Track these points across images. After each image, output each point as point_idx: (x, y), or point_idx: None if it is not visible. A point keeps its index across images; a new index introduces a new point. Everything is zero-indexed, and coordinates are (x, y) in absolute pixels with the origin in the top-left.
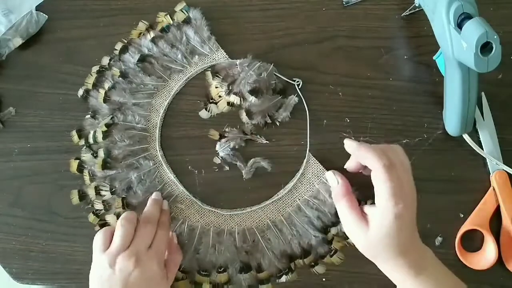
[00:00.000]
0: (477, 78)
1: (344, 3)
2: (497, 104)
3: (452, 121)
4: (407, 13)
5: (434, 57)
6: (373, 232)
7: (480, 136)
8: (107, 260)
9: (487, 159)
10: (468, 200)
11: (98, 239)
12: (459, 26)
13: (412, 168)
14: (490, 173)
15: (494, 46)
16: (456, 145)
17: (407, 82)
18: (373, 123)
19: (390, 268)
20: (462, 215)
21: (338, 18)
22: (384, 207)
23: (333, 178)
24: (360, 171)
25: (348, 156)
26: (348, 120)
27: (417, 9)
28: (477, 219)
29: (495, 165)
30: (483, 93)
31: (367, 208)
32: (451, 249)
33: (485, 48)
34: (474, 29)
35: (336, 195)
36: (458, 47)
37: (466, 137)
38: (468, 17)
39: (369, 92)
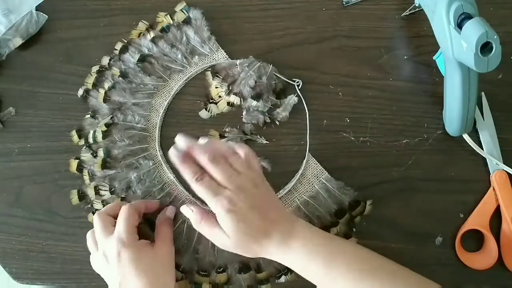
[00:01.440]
0: (477, 78)
1: (344, 3)
2: (497, 104)
3: (452, 121)
4: (407, 13)
5: (434, 57)
6: (224, 231)
7: (480, 136)
8: (101, 255)
9: (487, 159)
10: (468, 200)
11: (89, 239)
12: (459, 26)
13: (412, 168)
14: (490, 173)
15: (494, 46)
16: (456, 145)
17: (407, 82)
18: (373, 123)
19: (263, 250)
20: (462, 215)
21: (338, 18)
22: (215, 210)
23: (187, 210)
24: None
25: (347, 155)
26: (348, 120)
27: (417, 9)
28: (477, 219)
29: (495, 165)
30: (483, 93)
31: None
32: (451, 249)
33: (485, 48)
34: (474, 29)
35: (195, 222)
36: (458, 47)
37: (466, 137)
38: (468, 17)
39: (369, 92)
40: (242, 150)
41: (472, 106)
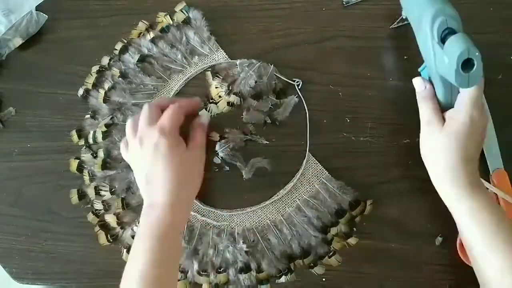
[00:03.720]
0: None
1: (344, 3)
2: (497, 104)
3: None
4: (395, 25)
5: (419, 69)
6: (447, 129)
7: None
8: (137, 140)
9: (486, 158)
10: None
11: (129, 126)
12: (443, 41)
13: (412, 168)
14: (489, 173)
15: (475, 63)
16: None
17: (407, 82)
18: (373, 123)
19: (449, 179)
20: None
21: (338, 18)
22: (461, 110)
23: (420, 83)
24: None
25: (347, 155)
26: (348, 120)
27: (405, 22)
28: None
29: (494, 164)
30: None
31: (447, 114)
32: (451, 249)
33: (467, 64)
34: (456, 45)
35: (423, 97)
36: (440, 62)
37: None
38: (452, 32)
39: (369, 92)
40: None
41: None
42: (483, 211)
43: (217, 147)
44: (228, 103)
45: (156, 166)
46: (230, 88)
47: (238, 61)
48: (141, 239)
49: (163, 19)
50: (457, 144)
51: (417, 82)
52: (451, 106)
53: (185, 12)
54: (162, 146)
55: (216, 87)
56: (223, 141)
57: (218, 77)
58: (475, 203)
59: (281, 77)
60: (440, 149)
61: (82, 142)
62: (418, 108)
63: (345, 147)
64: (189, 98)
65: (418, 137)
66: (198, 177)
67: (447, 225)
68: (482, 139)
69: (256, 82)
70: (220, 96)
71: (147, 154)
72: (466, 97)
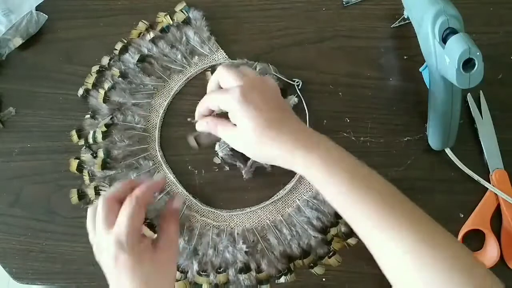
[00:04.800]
0: (460, 94)
1: (344, 3)
2: (497, 104)
3: (434, 135)
4: (397, 25)
5: (420, 69)
6: (239, 127)
7: (480, 136)
8: (95, 245)
9: (486, 158)
10: (468, 200)
11: (88, 217)
12: (444, 41)
13: (412, 168)
14: (490, 173)
15: (476, 63)
16: (455, 144)
17: (407, 82)
18: (373, 123)
19: (280, 159)
20: (462, 215)
21: (338, 18)
22: (228, 108)
23: (201, 124)
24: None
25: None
26: (348, 120)
27: (406, 21)
28: (478, 219)
29: (494, 164)
30: (481, 92)
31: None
32: None
33: (468, 64)
34: (457, 45)
35: (213, 130)
36: (441, 62)
37: (448, 151)
38: (453, 32)
39: (369, 92)
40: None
41: (455, 121)
42: (327, 168)
43: (216, 147)
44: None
45: (121, 282)
46: None
47: (237, 61)
48: None
49: (163, 19)
50: (257, 120)
51: (199, 126)
52: (451, 106)
53: (185, 12)
54: (122, 263)
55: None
56: (222, 141)
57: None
58: (313, 158)
59: (281, 77)
60: (260, 149)
61: (82, 142)
62: (418, 108)
63: (345, 147)
64: (150, 181)
65: (418, 136)
66: (168, 280)
67: (447, 225)
68: (266, 89)
69: None
70: None
71: (109, 265)
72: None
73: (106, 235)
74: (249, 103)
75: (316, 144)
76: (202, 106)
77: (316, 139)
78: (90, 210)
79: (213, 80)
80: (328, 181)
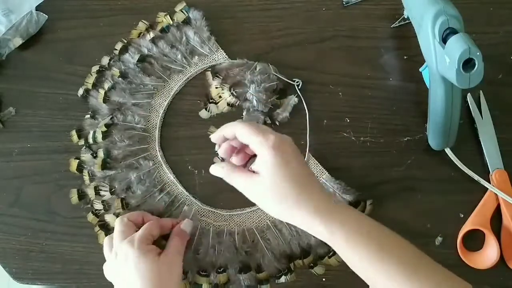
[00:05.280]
0: (460, 94)
1: (344, 3)
2: (497, 104)
3: (434, 135)
4: (397, 25)
5: (420, 69)
6: (264, 175)
7: (480, 136)
8: (113, 255)
9: (486, 158)
10: (468, 200)
11: (105, 243)
12: (444, 41)
13: (412, 168)
14: (490, 173)
15: (476, 63)
16: (455, 145)
17: (407, 82)
18: (373, 123)
19: (300, 217)
20: (462, 215)
21: (338, 18)
22: (259, 150)
23: (216, 169)
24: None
25: (347, 155)
26: (348, 120)
27: (406, 21)
28: (478, 219)
29: (494, 164)
30: (481, 92)
31: (253, 167)
32: (451, 249)
33: (468, 64)
34: (457, 45)
35: (227, 175)
36: (441, 62)
37: (448, 151)
38: (453, 32)
39: (369, 92)
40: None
41: (455, 121)
42: (347, 242)
43: (216, 147)
44: (228, 103)
45: (128, 276)
46: (230, 89)
47: (237, 62)
48: None
49: (163, 19)
50: (283, 183)
51: (213, 169)
52: (451, 106)
53: (185, 12)
54: (131, 256)
55: (216, 87)
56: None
57: (218, 77)
58: (333, 232)
59: (281, 77)
60: (278, 208)
61: (82, 142)
62: (418, 108)
63: (345, 147)
64: (170, 220)
65: (418, 136)
66: (169, 283)
67: (447, 225)
68: (300, 160)
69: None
70: (220, 97)
71: (120, 266)
72: (252, 139)
73: (120, 243)
74: (282, 153)
75: (338, 211)
76: (227, 131)
77: (337, 207)
78: (106, 239)
79: (227, 131)
80: (348, 251)
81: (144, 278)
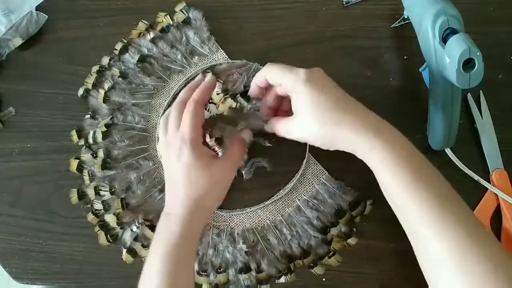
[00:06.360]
0: (460, 94)
1: (344, 3)
2: (497, 104)
3: (434, 135)
4: (397, 25)
5: (420, 69)
6: (303, 109)
7: (480, 136)
8: (165, 143)
9: (486, 158)
10: (468, 200)
11: (161, 123)
12: (444, 41)
13: None
14: (490, 173)
15: (476, 63)
16: (455, 145)
17: (407, 82)
18: None
19: (346, 135)
20: None
21: (338, 18)
22: (293, 88)
23: (267, 126)
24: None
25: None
26: None
27: (406, 21)
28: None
29: (494, 164)
30: (481, 91)
31: (292, 107)
32: None
33: (468, 64)
34: (457, 45)
35: (271, 129)
36: (442, 62)
37: (448, 151)
38: (453, 32)
39: (369, 92)
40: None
41: (455, 121)
42: (392, 155)
43: (217, 148)
44: (230, 107)
45: (177, 176)
46: (231, 93)
47: (237, 62)
48: (154, 253)
49: (163, 19)
50: (320, 105)
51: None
52: (451, 106)
53: (185, 12)
54: (184, 158)
55: (218, 94)
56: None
57: (219, 81)
58: (379, 143)
59: None
60: (322, 132)
61: (82, 142)
62: (418, 108)
63: None
64: (204, 83)
65: (418, 136)
66: (221, 189)
67: None
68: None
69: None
70: (222, 102)
71: (172, 160)
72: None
73: (175, 133)
74: (316, 84)
75: (381, 129)
76: (258, 79)
77: (381, 124)
78: (162, 119)
79: (258, 78)
80: (387, 171)
81: (192, 184)
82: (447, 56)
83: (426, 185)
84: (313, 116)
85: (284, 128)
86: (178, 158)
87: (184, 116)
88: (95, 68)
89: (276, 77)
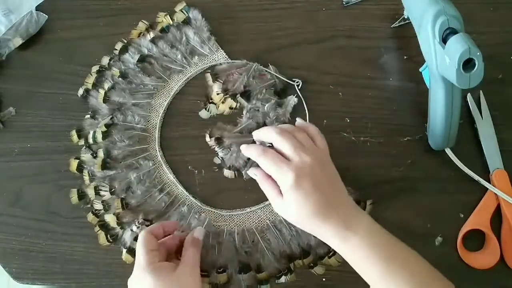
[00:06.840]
0: (460, 94)
1: (344, 3)
2: (497, 104)
3: (434, 135)
4: (397, 25)
5: (420, 69)
6: (286, 201)
7: (480, 136)
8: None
9: (486, 158)
10: (468, 200)
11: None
12: (444, 41)
13: (412, 168)
14: (490, 173)
15: (476, 63)
16: (455, 145)
17: (407, 82)
18: (373, 123)
19: (319, 231)
20: (462, 215)
21: (338, 18)
22: (279, 185)
23: (251, 171)
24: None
25: (347, 155)
26: (348, 120)
27: (406, 21)
28: (478, 219)
29: (494, 164)
30: (481, 91)
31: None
32: (451, 249)
33: (468, 64)
34: (457, 45)
35: (260, 181)
36: (442, 62)
37: (448, 151)
38: (453, 32)
39: (369, 92)
40: (309, 127)
41: (455, 121)
42: (364, 251)
43: (216, 148)
44: (230, 107)
45: None
46: (231, 93)
47: (237, 62)
48: None
49: (163, 19)
50: (299, 208)
51: (250, 173)
52: (451, 106)
53: (185, 12)
54: (146, 283)
55: (218, 94)
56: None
57: (219, 81)
58: (350, 245)
59: (281, 77)
60: (296, 221)
61: (82, 142)
62: (418, 108)
63: (345, 147)
64: (162, 222)
65: (418, 136)
66: None
67: (447, 225)
68: (328, 172)
69: (256, 83)
70: (222, 102)
71: None
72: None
73: (136, 268)
74: (300, 190)
75: (357, 230)
76: (258, 137)
77: (358, 224)
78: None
79: (261, 135)
80: (363, 267)
81: None
82: (447, 56)
83: (401, 270)
84: (296, 215)
85: (273, 195)
86: (142, 285)
87: (137, 245)
88: (95, 68)
89: (268, 168)
